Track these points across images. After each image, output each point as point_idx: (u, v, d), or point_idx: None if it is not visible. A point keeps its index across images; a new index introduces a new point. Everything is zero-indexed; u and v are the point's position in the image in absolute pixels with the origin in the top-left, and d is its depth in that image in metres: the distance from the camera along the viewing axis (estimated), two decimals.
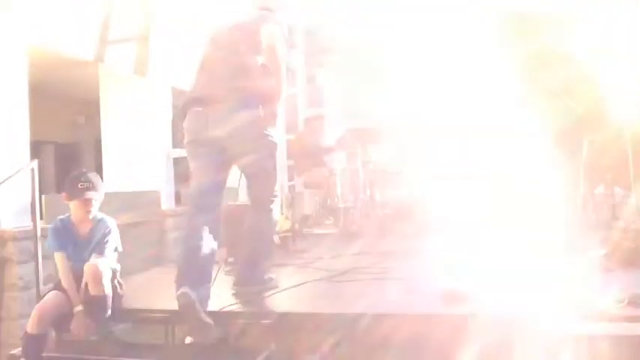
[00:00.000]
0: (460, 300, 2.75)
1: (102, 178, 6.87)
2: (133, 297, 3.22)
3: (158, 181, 6.83)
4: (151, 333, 3.05)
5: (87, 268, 2.80)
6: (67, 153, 9.65)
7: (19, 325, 4.06)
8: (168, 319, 2.89)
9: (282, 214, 5.73)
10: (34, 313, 2.72)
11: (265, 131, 3.08)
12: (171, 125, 7.05)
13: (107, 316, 2.83)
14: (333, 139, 7.21)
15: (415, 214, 6.15)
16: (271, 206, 3.19)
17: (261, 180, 3.16)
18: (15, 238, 4.34)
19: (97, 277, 2.77)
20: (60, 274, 2.93)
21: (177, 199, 7.15)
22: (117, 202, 5.78)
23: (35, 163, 3.16)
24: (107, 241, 3.00)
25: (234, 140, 2.97)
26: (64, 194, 2.96)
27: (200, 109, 2.99)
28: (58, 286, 2.94)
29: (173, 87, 7.06)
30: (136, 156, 6.85)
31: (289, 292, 3.26)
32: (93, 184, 2.98)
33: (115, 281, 2.98)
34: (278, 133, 3.27)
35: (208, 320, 2.64)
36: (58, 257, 2.95)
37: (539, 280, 3.05)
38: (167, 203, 6.76)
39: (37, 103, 8.87)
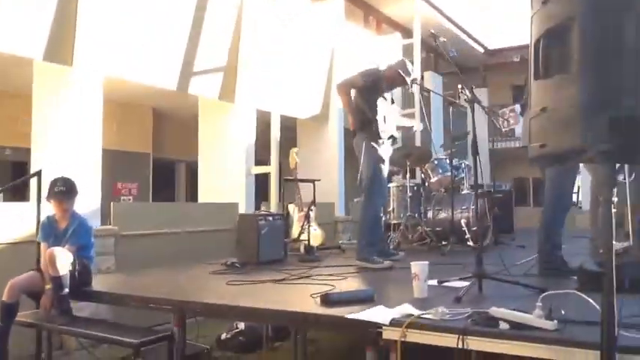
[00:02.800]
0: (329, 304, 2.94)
1: (197, 191, 7.89)
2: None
3: (242, 194, 7.62)
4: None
5: (45, 253, 3.56)
6: (195, 170, 11.08)
7: None
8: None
9: (316, 229, 6.11)
10: (8, 285, 3.55)
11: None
12: (254, 145, 7.81)
13: (64, 293, 3.55)
14: None
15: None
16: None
17: None
18: None
19: (52, 261, 3.47)
20: (41, 259, 3.75)
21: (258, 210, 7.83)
22: (203, 211, 6.73)
23: (40, 172, 4.01)
24: (77, 236, 3.76)
25: None
26: (46, 196, 3.78)
27: None
28: (38, 268, 3.76)
29: (258, 109, 7.84)
30: (225, 172, 7.75)
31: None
32: (66, 188, 3.75)
33: (78, 267, 3.69)
34: None
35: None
36: (42, 246, 3.78)
37: None
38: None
39: (171, 128, 10.47)
